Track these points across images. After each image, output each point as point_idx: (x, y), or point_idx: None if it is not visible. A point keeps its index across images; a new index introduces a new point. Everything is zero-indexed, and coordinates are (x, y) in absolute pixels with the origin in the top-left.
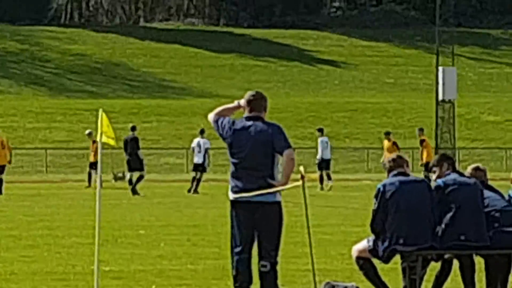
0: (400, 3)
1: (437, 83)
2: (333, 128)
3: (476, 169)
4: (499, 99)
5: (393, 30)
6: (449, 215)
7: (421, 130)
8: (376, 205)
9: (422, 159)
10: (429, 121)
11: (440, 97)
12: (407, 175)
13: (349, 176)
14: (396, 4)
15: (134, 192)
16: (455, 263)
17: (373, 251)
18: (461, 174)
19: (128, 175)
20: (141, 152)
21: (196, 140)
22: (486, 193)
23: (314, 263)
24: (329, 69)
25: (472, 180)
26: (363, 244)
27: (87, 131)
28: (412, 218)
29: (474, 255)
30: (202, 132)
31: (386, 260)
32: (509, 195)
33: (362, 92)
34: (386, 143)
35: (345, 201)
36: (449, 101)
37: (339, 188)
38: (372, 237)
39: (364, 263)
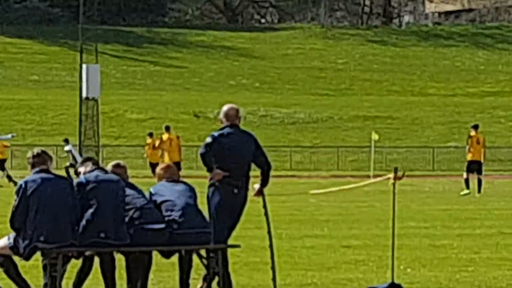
0: (44, 1)
1: (80, 80)
2: None
3: (116, 166)
4: (143, 97)
5: (37, 27)
6: (89, 211)
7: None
8: (17, 202)
9: None
10: (73, 118)
11: (84, 95)
12: (50, 172)
13: None
14: (40, 1)
15: None
16: (96, 260)
17: (13, 248)
18: (105, 171)
19: None
20: None
21: None
22: (127, 191)
23: None
24: None
25: (115, 177)
26: (4, 241)
27: None
28: (54, 216)
29: (114, 252)
30: None
31: (27, 257)
32: (150, 192)
33: (6, 89)
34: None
35: None
36: (93, 98)
37: None
38: (13, 234)
39: (5, 261)
